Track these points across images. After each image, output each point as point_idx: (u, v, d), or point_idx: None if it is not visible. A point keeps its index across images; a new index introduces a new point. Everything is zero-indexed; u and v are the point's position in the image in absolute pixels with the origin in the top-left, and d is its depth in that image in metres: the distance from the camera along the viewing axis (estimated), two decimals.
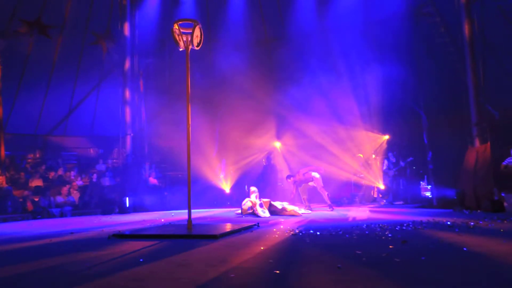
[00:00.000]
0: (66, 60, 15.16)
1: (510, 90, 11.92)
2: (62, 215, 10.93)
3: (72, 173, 13.58)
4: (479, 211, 8.67)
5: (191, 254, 4.23)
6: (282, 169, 14.53)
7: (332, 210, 9.96)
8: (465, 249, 4.05)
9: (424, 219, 7.11)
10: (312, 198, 11.59)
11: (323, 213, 9.56)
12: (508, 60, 12.48)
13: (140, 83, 14.74)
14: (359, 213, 9.23)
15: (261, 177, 13.88)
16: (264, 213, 8.91)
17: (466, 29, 10.43)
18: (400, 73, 12.38)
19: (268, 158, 14.15)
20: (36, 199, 11.17)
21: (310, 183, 10.53)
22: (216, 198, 13.89)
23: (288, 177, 11.01)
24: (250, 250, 4.49)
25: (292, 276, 3.20)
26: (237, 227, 6.34)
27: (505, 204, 8.57)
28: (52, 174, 13.42)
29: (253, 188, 9.55)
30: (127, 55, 13.96)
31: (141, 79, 14.82)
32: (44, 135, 15.84)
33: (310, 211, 9.80)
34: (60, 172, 13.53)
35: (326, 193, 10.44)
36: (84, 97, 16.12)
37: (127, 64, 13.94)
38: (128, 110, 13.89)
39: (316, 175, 10.42)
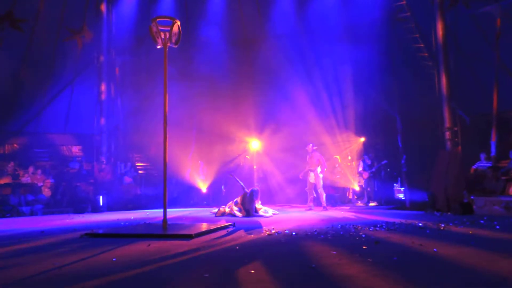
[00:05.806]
0: (40, 55, 14.70)
1: (481, 96, 12.30)
2: (32, 213, 10.62)
3: (44, 170, 13.21)
4: (449, 213, 8.91)
5: (165, 254, 4.19)
6: (259, 169, 14.53)
7: (326, 210, 10.17)
8: (435, 249, 4.15)
9: (397, 220, 7.25)
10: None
11: (299, 213, 9.62)
12: (479, 67, 12.88)
13: (116, 81, 14.48)
14: (335, 214, 9.33)
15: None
16: (240, 212, 8.99)
17: (440, 36, 10.71)
18: (376, 77, 12.61)
19: (245, 158, 14.14)
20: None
21: (311, 179, 10.65)
22: (193, 197, 13.79)
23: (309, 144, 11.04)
24: (225, 249, 4.48)
25: (267, 275, 3.21)
26: (212, 226, 6.32)
27: (474, 206, 8.82)
28: (22, 172, 13.01)
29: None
30: (102, 52, 13.68)
31: (117, 76, 14.55)
32: (15, 131, 15.31)
33: (277, 213, 9.74)
34: (31, 169, 13.14)
35: (324, 194, 10.65)
36: (58, 93, 15.68)
37: (103, 61, 13.66)
38: (103, 108, 13.62)
39: (320, 175, 10.63)
